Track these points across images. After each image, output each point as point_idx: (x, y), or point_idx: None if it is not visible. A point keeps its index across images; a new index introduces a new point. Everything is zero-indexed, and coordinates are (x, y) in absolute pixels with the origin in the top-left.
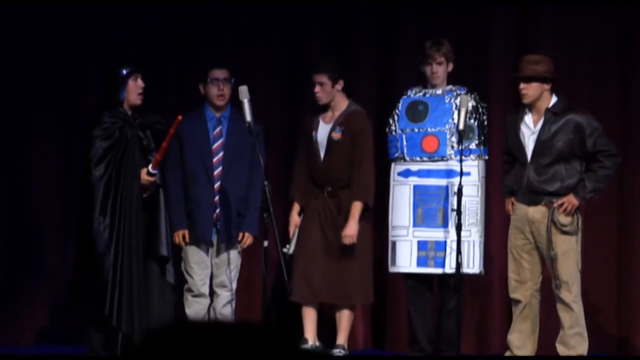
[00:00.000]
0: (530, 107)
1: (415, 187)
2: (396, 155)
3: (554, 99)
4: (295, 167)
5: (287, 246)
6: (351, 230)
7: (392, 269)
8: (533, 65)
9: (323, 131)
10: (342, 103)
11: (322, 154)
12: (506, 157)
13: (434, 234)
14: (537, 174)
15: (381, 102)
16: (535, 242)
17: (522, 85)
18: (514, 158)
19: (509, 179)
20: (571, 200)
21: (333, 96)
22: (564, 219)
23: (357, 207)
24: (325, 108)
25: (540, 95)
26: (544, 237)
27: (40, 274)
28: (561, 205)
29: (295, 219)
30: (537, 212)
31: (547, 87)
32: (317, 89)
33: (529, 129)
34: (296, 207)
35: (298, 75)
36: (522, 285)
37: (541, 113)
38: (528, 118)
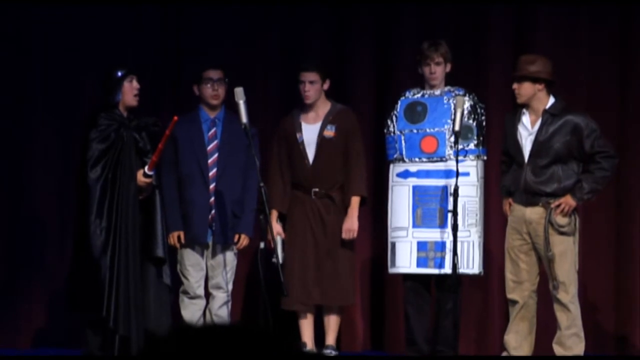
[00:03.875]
0: (528, 107)
1: (415, 188)
2: (395, 156)
3: (552, 99)
4: (271, 174)
5: (275, 257)
6: (353, 225)
7: (391, 270)
8: (527, 65)
9: (310, 131)
10: (326, 102)
11: (310, 156)
12: (503, 157)
13: (433, 235)
14: (535, 175)
15: (380, 102)
16: (533, 242)
17: (514, 85)
18: (511, 158)
19: (506, 179)
20: (568, 201)
21: (320, 95)
22: (561, 220)
23: (356, 202)
24: (305, 109)
25: (534, 96)
26: (541, 237)
27: (38, 276)
28: (558, 206)
29: (275, 227)
30: (535, 213)
31: (540, 87)
32: (308, 87)
33: (527, 130)
34: (275, 215)
35: (296, 75)
36: (519, 285)
37: (539, 114)
38: (526, 119)
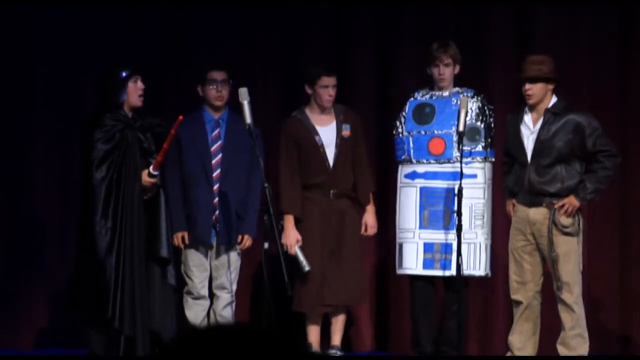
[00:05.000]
0: (531, 107)
1: (422, 189)
2: (403, 157)
3: (554, 99)
4: (284, 178)
5: (302, 265)
6: (375, 221)
7: (399, 271)
8: (538, 66)
9: (328, 133)
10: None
11: (331, 157)
12: (505, 157)
13: (440, 236)
14: (538, 175)
15: (381, 103)
16: (537, 243)
17: (527, 86)
18: (512, 159)
19: (509, 180)
20: (572, 202)
21: None
22: (565, 220)
23: (372, 198)
24: (313, 111)
25: (544, 96)
26: (545, 238)
27: (38, 276)
28: (562, 206)
29: (294, 234)
30: (538, 214)
31: (550, 87)
32: (332, 91)
33: (529, 129)
34: (292, 220)
35: (297, 76)
36: (523, 286)
37: (540, 113)
38: (527, 118)
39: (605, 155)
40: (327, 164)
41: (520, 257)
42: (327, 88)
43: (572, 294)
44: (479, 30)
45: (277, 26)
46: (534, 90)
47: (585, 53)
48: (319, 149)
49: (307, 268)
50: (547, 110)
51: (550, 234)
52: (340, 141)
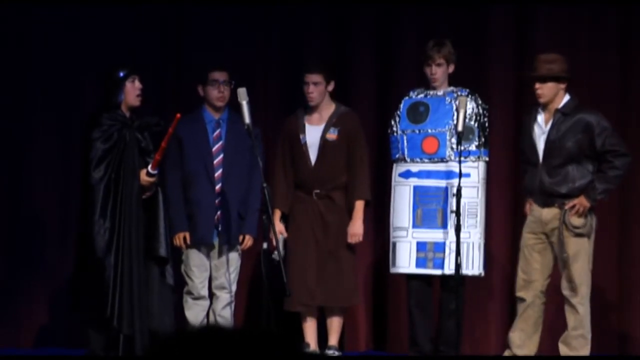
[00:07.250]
0: (544, 107)
1: (415, 188)
2: (397, 156)
3: (566, 98)
4: (276, 174)
5: (275, 253)
6: (358, 229)
7: (392, 270)
8: (548, 65)
9: (313, 133)
10: (330, 104)
11: (312, 157)
12: (523, 157)
13: (433, 235)
14: (549, 176)
15: (381, 102)
16: (549, 242)
17: (537, 85)
18: (527, 158)
19: (525, 179)
20: (582, 202)
21: (324, 97)
22: (576, 221)
23: (361, 206)
24: (309, 110)
25: (556, 95)
26: (556, 238)
27: (38, 276)
28: (572, 207)
29: (278, 226)
30: (550, 214)
31: (562, 86)
32: (312, 88)
33: (541, 129)
34: (278, 214)
35: (297, 76)
36: (529, 284)
37: (552, 113)
38: (540, 118)
39: (615, 154)
40: (309, 163)
41: (530, 255)
42: (307, 85)
43: (578, 295)
44: (479, 30)
45: (277, 26)
46: (543, 89)
47: (585, 53)
48: (302, 147)
49: (277, 258)
50: (557, 110)
51: (561, 235)
52: (323, 143)
